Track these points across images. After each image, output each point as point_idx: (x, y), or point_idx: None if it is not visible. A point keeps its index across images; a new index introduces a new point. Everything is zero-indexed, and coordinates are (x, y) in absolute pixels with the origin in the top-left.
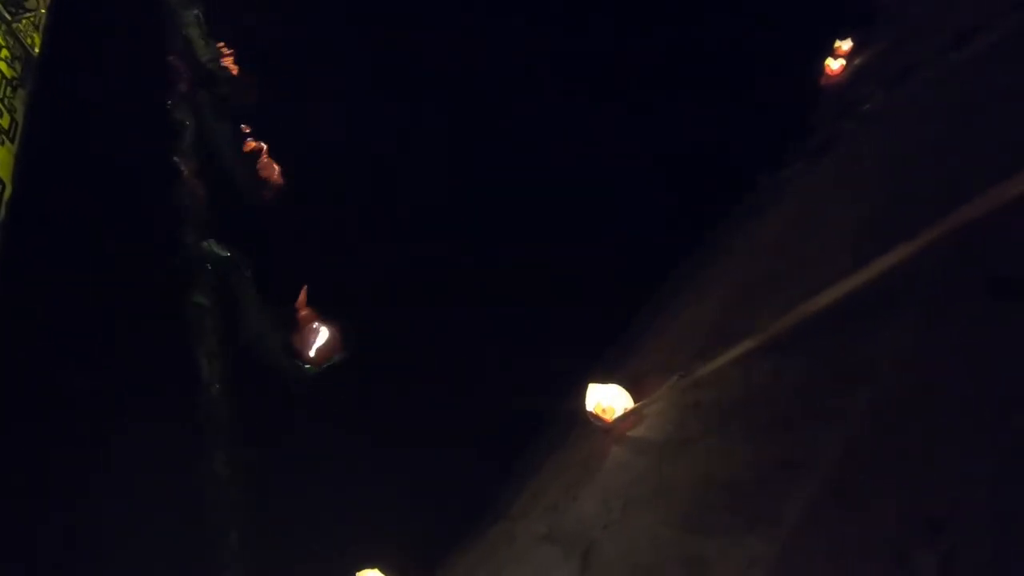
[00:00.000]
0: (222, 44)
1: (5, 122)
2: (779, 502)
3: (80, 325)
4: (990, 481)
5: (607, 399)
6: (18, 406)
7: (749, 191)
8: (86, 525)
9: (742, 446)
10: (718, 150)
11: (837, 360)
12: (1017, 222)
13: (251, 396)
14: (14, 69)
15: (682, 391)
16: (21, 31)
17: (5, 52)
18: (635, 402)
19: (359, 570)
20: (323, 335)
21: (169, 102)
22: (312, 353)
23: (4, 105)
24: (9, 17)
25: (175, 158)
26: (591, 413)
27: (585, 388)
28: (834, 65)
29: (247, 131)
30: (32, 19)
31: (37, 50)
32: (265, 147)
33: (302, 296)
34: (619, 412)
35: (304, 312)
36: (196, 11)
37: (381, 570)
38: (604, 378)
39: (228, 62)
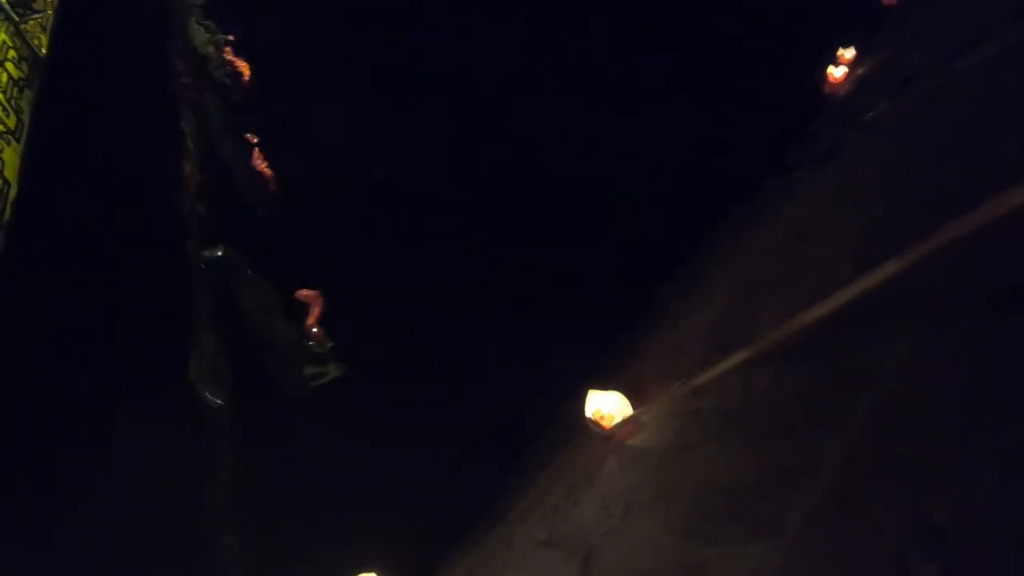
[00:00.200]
0: (228, 49)
1: (12, 122)
2: (780, 509)
3: (85, 325)
4: (991, 487)
5: (606, 406)
6: (19, 406)
7: (750, 194)
8: (86, 525)
9: (743, 453)
10: (719, 152)
11: (839, 367)
12: (1020, 230)
13: (251, 396)
14: (21, 70)
15: (683, 397)
16: (28, 32)
17: (12, 53)
18: (635, 408)
19: (358, 571)
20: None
21: (173, 103)
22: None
23: (11, 106)
24: (17, 18)
25: (179, 158)
26: (590, 420)
27: (585, 391)
28: (836, 73)
29: (247, 132)
30: (40, 20)
31: (44, 51)
32: (264, 148)
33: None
34: (617, 419)
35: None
36: (202, 13)
37: (379, 573)
38: (604, 383)
39: (240, 64)
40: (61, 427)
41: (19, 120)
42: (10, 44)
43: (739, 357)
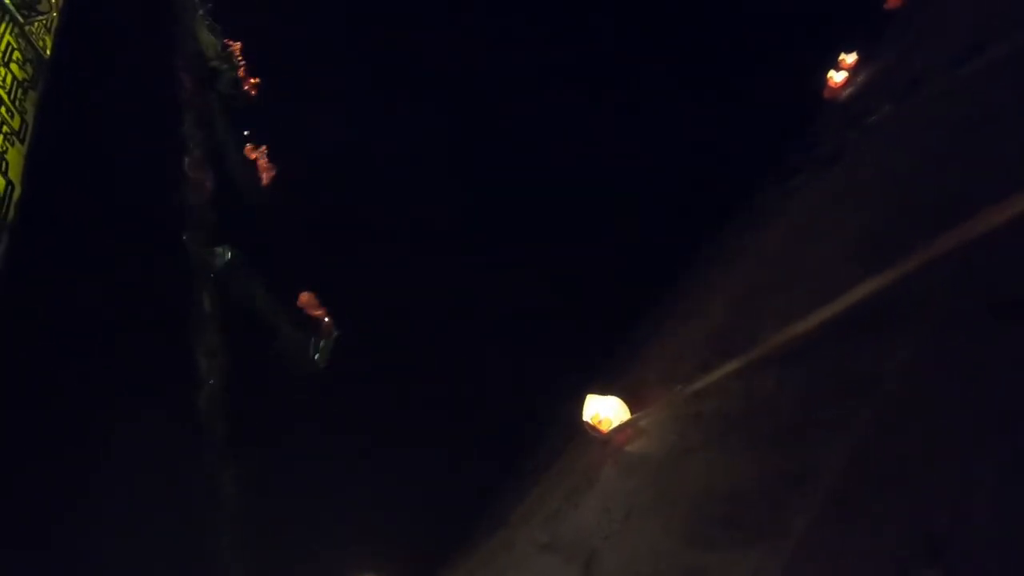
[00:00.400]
0: (233, 48)
1: (16, 124)
2: (781, 514)
3: (88, 325)
4: (992, 492)
5: (604, 411)
6: (22, 406)
7: (750, 195)
8: (86, 525)
9: (744, 457)
10: (719, 153)
11: (840, 371)
12: (1021, 237)
13: (251, 396)
14: (25, 71)
15: (684, 401)
16: (33, 33)
17: (17, 54)
18: (634, 413)
19: (358, 572)
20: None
21: (177, 105)
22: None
23: (16, 107)
24: (22, 20)
25: (182, 159)
26: (587, 424)
27: (586, 394)
28: (838, 77)
29: (248, 132)
30: (44, 22)
31: (48, 53)
32: (265, 148)
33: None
34: (615, 424)
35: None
36: (205, 13)
37: (379, 575)
38: (605, 386)
39: (240, 66)
40: (64, 426)
41: (23, 121)
42: (15, 45)
43: (740, 361)
